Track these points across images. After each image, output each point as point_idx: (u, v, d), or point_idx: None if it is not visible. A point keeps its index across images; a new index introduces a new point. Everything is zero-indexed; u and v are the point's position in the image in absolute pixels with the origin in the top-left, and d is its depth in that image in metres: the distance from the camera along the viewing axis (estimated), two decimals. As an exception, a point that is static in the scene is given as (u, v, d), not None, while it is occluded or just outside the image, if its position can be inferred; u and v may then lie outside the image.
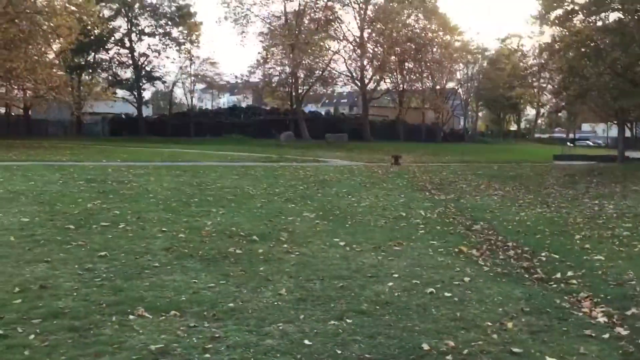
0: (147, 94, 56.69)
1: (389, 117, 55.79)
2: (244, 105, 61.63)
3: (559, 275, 6.25)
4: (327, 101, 77.13)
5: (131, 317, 4.53)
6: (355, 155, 29.36)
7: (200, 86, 56.12)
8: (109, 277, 5.64)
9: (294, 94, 47.31)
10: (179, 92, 56.89)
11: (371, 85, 50.70)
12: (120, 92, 50.99)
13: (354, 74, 49.47)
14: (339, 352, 3.95)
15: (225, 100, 76.98)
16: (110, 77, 49.00)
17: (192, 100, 53.07)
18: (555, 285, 5.91)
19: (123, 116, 52.18)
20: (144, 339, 4.08)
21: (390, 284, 5.69)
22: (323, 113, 60.65)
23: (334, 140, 41.81)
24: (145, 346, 3.94)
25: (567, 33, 25.01)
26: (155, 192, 12.20)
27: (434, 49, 50.59)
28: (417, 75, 51.92)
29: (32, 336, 4.06)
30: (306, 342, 4.10)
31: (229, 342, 4.05)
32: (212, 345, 3.98)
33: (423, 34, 49.69)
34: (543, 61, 27.48)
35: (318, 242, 7.67)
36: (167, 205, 10.53)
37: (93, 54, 47.90)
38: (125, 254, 6.61)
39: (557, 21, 25.84)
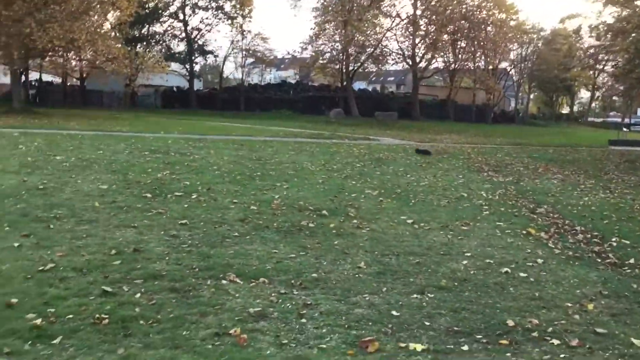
0: (196, 68, 57.27)
1: (439, 97, 55.11)
2: (291, 81, 61.78)
3: (632, 260, 6.25)
4: (374, 79, 76.51)
5: (223, 282, 4.81)
6: (406, 135, 29.21)
7: (248, 61, 56.41)
8: (194, 244, 5.94)
9: (344, 70, 47.18)
10: (227, 67, 57.39)
11: (422, 64, 50.08)
12: (172, 65, 51.78)
13: (405, 52, 48.95)
14: (427, 323, 4.13)
15: (272, 76, 77.26)
16: (163, 50, 49.82)
17: (242, 75, 53.48)
18: (629, 271, 5.92)
19: (175, 89, 53.03)
20: (241, 302, 4.34)
21: (465, 262, 5.82)
22: (370, 90, 60.29)
23: (383, 119, 41.63)
24: (244, 309, 4.20)
25: (632, 13, 24.15)
26: (218, 165, 12.54)
27: (489, 28, 49.47)
28: (470, 54, 50.98)
29: (137, 295, 4.37)
30: (394, 312, 4.29)
31: (321, 309, 4.28)
32: (306, 312, 4.21)
33: (478, 12, 48.65)
34: (607, 42, 26.59)
35: (386, 219, 7.83)
36: (233, 178, 10.84)
37: (147, 26, 48.77)
38: (204, 223, 6.92)
39: (622, 0, 24.97)
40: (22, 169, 10.36)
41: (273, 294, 4.56)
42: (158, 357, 3.37)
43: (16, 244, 5.50)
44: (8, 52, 29.90)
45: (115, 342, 3.54)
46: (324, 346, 3.64)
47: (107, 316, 3.89)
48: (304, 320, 4.06)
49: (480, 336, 3.96)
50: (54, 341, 3.50)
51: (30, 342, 3.48)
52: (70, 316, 3.87)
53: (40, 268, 4.83)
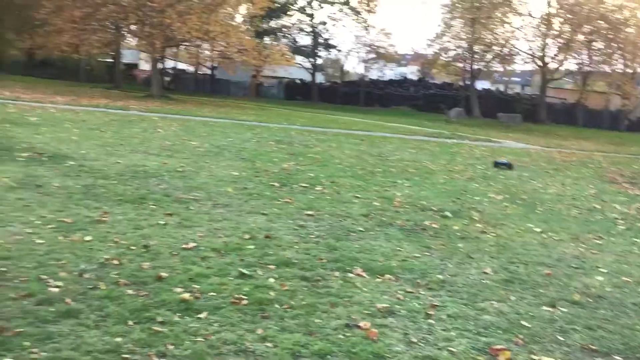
0: (319, 61, 58.30)
1: (567, 100, 52.17)
2: (412, 77, 61.12)
3: None
4: (498, 78, 73.83)
5: (350, 275, 4.92)
6: (531, 139, 28.00)
7: (370, 56, 56.49)
8: (320, 235, 6.12)
9: (468, 69, 45.99)
10: (348, 61, 57.92)
11: (552, 65, 47.57)
12: (296, 58, 53.08)
13: (535, 52, 46.74)
14: (561, 338, 4.00)
15: (391, 72, 76.95)
16: (289, 43, 51.27)
17: (364, 70, 53.79)
18: None
19: (297, 81, 54.37)
20: (368, 296, 4.44)
21: (599, 278, 5.54)
22: (494, 90, 58.28)
23: (506, 121, 40.12)
24: (371, 304, 4.29)
25: None
26: (340, 159, 12.77)
27: (629, 29, 45.96)
28: (606, 56, 47.66)
29: (271, 280, 4.59)
30: (524, 323, 4.19)
31: (449, 312, 4.27)
32: (433, 313, 4.22)
33: (618, 12, 45.36)
34: None
35: (512, 225, 7.61)
36: (354, 172, 11.01)
37: (276, 20, 50.37)
38: (329, 215, 7.10)
39: None
40: (162, 151, 11.18)
41: (399, 292, 4.61)
42: (294, 341, 3.54)
43: (162, 222, 5.97)
44: (150, 42, 32.17)
45: (254, 322, 3.76)
46: (454, 350, 3.65)
47: (245, 297, 4.14)
48: (431, 321, 4.08)
49: (619, 358, 3.78)
50: (200, 315, 3.78)
51: (179, 314, 3.78)
52: (213, 294, 4.16)
53: (184, 246, 5.22)
